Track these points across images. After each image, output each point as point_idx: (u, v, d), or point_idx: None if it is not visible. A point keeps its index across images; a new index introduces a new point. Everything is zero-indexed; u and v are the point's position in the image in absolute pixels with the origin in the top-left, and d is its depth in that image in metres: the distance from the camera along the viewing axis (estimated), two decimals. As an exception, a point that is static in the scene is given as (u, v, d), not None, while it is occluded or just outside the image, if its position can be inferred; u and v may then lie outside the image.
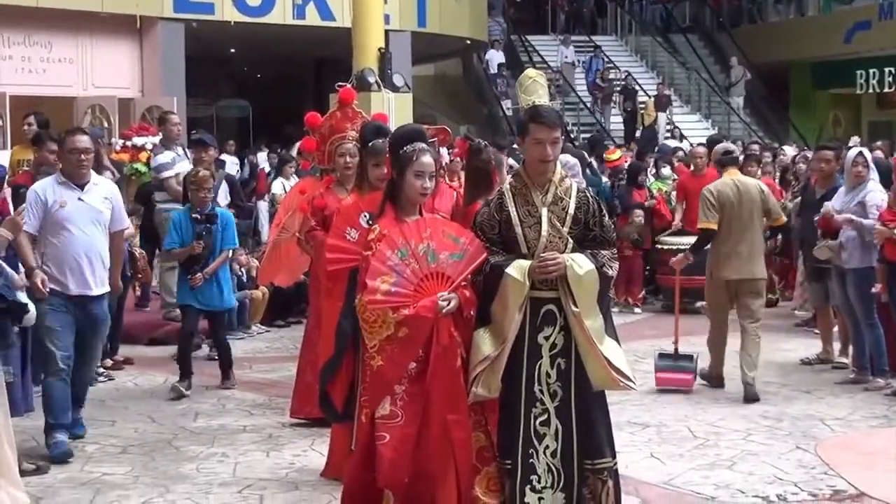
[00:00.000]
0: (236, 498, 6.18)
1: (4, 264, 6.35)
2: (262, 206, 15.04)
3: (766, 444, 7.21)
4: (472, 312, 4.88)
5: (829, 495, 6.19)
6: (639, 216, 12.83)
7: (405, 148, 5.00)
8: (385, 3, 16.13)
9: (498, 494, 4.88)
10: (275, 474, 6.60)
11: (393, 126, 7.34)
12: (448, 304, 4.75)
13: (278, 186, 14.37)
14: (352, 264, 5.43)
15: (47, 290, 6.66)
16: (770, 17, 31.33)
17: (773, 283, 13.11)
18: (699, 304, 11.22)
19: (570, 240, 4.89)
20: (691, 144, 18.10)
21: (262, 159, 19.71)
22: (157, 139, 12.49)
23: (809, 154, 13.37)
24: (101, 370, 9.02)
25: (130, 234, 9.72)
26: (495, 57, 26.98)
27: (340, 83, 8.23)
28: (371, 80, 14.69)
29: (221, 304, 9.04)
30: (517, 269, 4.77)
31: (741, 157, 12.58)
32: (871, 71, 27.23)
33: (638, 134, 24.42)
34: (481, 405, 4.92)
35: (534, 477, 4.84)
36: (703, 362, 8.99)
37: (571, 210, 4.91)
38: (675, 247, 11.28)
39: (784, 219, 9.43)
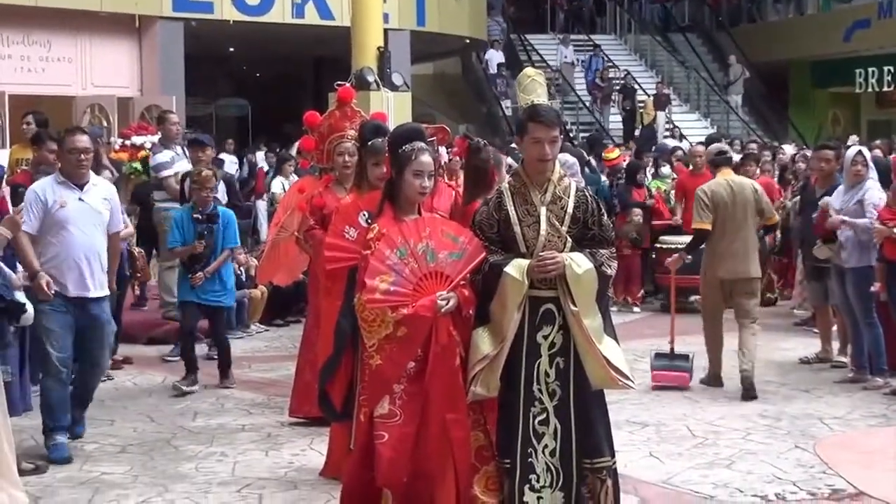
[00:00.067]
0: (235, 497, 6.18)
1: (2, 264, 6.33)
2: (261, 206, 15.04)
3: (765, 443, 7.21)
4: (470, 311, 4.88)
5: (828, 494, 6.19)
6: (637, 215, 12.83)
7: (404, 147, 4.99)
8: (384, 2, 16.12)
9: (497, 493, 4.88)
10: (274, 473, 6.60)
11: (392, 125, 7.34)
12: (447, 304, 4.75)
13: (277, 185, 14.37)
14: (350, 263, 5.43)
15: (52, 292, 6.60)
16: (769, 15, 31.33)
17: (772, 283, 13.14)
18: (693, 298, 11.26)
19: (569, 239, 4.88)
20: (690, 144, 18.10)
21: (261, 158, 19.71)
22: (156, 138, 12.48)
23: (809, 153, 13.39)
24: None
25: (129, 233, 9.74)
26: (495, 57, 26.97)
27: (339, 82, 8.21)
28: (370, 79, 14.69)
29: (222, 300, 9.06)
30: (516, 268, 4.77)
31: (740, 157, 12.64)
32: (870, 69, 27.24)
33: (637, 133, 24.43)
34: (480, 404, 4.92)
35: (532, 476, 4.84)
36: (699, 361, 9.01)
37: (570, 209, 4.91)
38: (674, 246, 11.30)
39: (777, 218, 9.48)
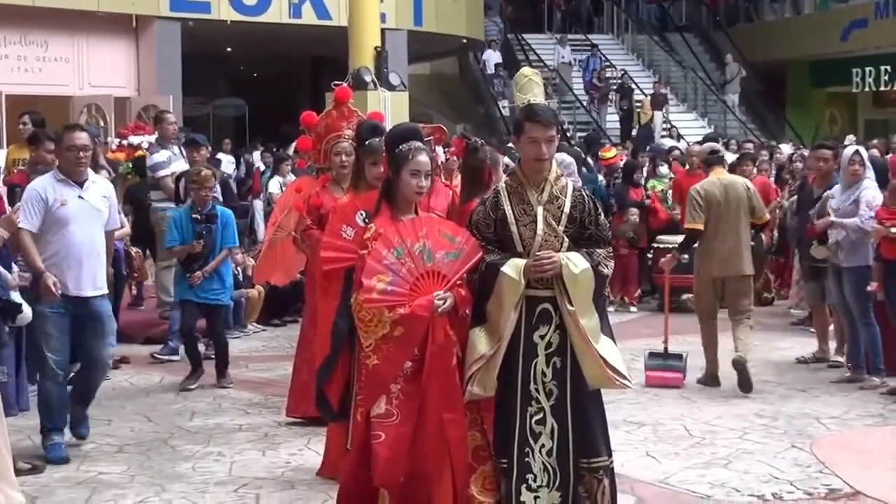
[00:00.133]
0: (232, 497, 6.17)
1: (-1, 264, 6.34)
2: (258, 205, 15.04)
3: (762, 443, 7.22)
4: (467, 311, 4.88)
5: (825, 494, 6.19)
6: (634, 214, 12.84)
7: (401, 147, 4.99)
8: (381, 2, 16.12)
9: (494, 493, 4.88)
10: (271, 473, 6.60)
11: (389, 125, 7.34)
12: (444, 303, 4.75)
13: (275, 185, 14.40)
14: (347, 264, 5.42)
15: (59, 292, 6.55)
16: (766, 15, 31.36)
17: (769, 282, 13.15)
18: (685, 296, 11.29)
19: (566, 238, 4.88)
20: (688, 143, 18.11)
21: (257, 158, 19.74)
22: (153, 138, 12.49)
23: (806, 152, 13.40)
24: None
25: (126, 233, 9.74)
26: (492, 57, 26.98)
27: (336, 82, 8.21)
28: (367, 78, 14.70)
29: (220, 299, 9.08)
30: (513, 267, 4.77)
31: (736, 157, 12.66)
32: (867, 69, 27.27)
33: (634, 133, 24.44)
34: (477, 404, 4.92)
35: (529, 476, 4.84)
36: (693, 360, 9.03)
37: (567, 209, 4.91)
38: (671, 245, 11.29)
39: (768, 217, 9.52)
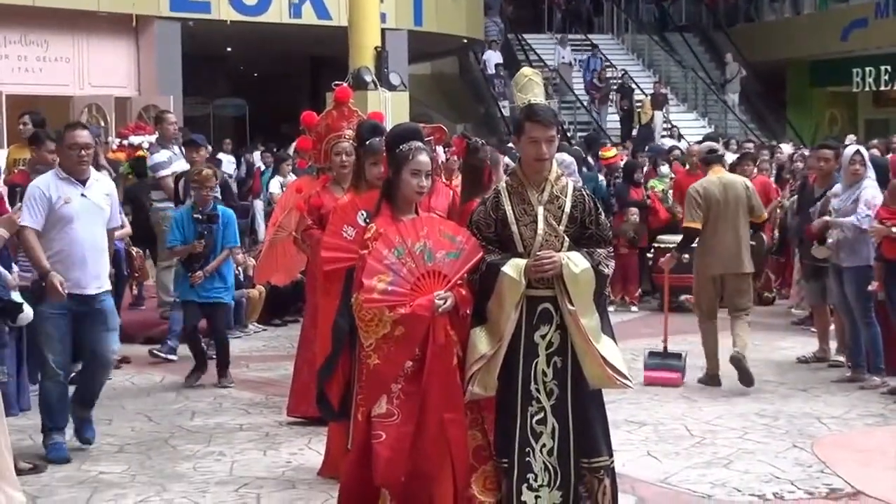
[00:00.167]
0: (233, 497, 6.17)
1: (-1, 264, 6.33)
2: (258, 205, 15.04)
3: (763, 443, 7.22)
4: (468, 311, 4.88)
5: (826, 493, 6.19)
6: (634, 214, 12.84)
7: (401, 146, 4.99)
8: (381, 1, 16.13)
9: (494, 493, 4.88)
10: (272, 473, 6.60)
11: (389, 125, 7.34)
12: (444, 303, 4.75)
13: (275, 185, 14.40)
14: (348, 263, 5.43)
15: (66, 292, 6.53)
16: (766, 15, 31.35)
17: (769, 282, 13.16)
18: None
19: (567, 238, 4.88)
20: (688, 143, 18.11)
21: (257, 158, 19.74)
22: (153, 138, 12.50)
23: (806, 152, 13.41)
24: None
25: (126, 233, 9.74)
26: (492, 57, 26.97)
27: (337, 82, 8.21)
28: (367, 78, 14.71)
29: (222, 297, 9.10)
30: (513, 267, 4.77)
31: (736, 156, 12.65)
32: (867, 69, 27.26)
33: (634, 132, 24.43)
34: (478, 404, 4.93)
35: (530, 475, 4.84)
36: (693, 360, 9.04)
37: (567, 208, 4.90)
38: (672, 245, 11.29)
39: (765, 216, 9.55)
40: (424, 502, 4.79)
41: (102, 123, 16.84)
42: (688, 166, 13.18)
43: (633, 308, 12.85)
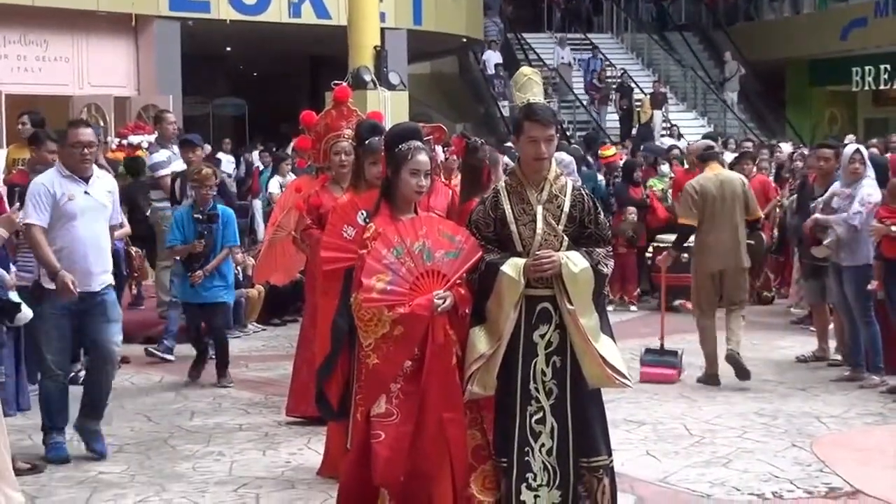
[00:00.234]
0: (232, 497, 6.17)
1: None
2: (257, 205, 15.04)
3: (762, 442, 7.22)
4: (467, 311, 4.88)
5: (825, 493, 6.19)
6: (631, 213, 12.84)
7: (400, 146, 4.98)
8: (381, 1, 16.13)
9: (494, 492, 4.88)
10: (271, 473, 6.60)
11: (388, 124, 7.34)
12: (443, 303, 4.74)
13: (274, 185, 14.40)
14: (347, 263, 5.43)
15: (77, 290, 6.52)
16: (766, 14, 31.35)
17: (769, 281, 13.16)
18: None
19: (566, 238, 4.88)
20: (688, 143, 18.10)
21: (256, 157, 19.75)
22: (152, 138, 12.50)
23: (806, 151, 13.41)
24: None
25: (126, 233, 9.73)
26: (492, 58, 26.96)
27: (336, 81, 8.21)
28: (367, 78, 14.71)
29: (222, 295, 9.13)
30: (512, 267, 4.77)
31: (735, 155, 12.66)
32: (867, 68, 27.26)
33: (634, 132, 24.43)
34: (477, 403, 4.92)
35: (529, 475, 4.84)
36: (692, 359, 9.06)
37: (566, 208, 4.90)
38: (670, 244, 11.31)
39: (760, 214, 9.58)
40: (423, 502, 4.79)
41: (102, 123, 16.84)
42: (687, 165, 13.17)
43: (633, 308, 12.86)
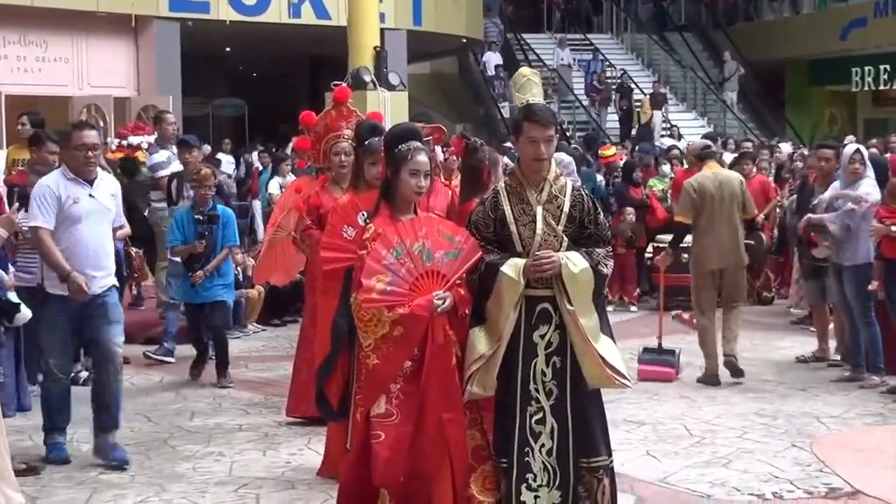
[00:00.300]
0: (232, 497, 6.18)
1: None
2: (257, 205, 15.03)
3: (762, 442, 7.22)
4: (467, 311, 4.88)
5: (825, 493, 6.19)
6: (630, 213, 12.84)
7: (400, 146, 4.98)
8: (380, 1, 16.13)
9: (494, 493, 4.88)
10: (271, 473, 6.60)
11: (388, 125, 7.34)
12: (443, 303, 4.74)
13: (274, 185, 14.40)
14: (347, 264, 5.43)
15: (90, 290, 6.50)
16: (765, 14, 31.35)
17: (769, 281, 13.16)
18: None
19: (566, 238, 4.88)
20: (688, 143, 18.10)
21: (255, 158, 19.74)
22: (152, 138, 12.49)
23: (806, 152, 13.40)
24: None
25: (126, 233, 9.72)
26: (492, 59, 26.97)
27: (336, 82, 8.20)
28: (367, 78, 14.70)
29: (222, 294, 9.15)
30: (512, 267, 4.77)
31: (734, 156, 12.67)
32: (866, 68, 27.26)
33: (634, 132, 24.44)
34: (477, 404, 4.92)
35: (529, 475, 4.84)
36: (692, 358, 9.08)
37: (566, 208, 4.90)
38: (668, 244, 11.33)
39: (756, 213, 9.62)
40: (423, 502, 4.79)
41: (101, 124, 16.81)
42: (686, 165, 13.18)
43: (632, 308, 12.85)
